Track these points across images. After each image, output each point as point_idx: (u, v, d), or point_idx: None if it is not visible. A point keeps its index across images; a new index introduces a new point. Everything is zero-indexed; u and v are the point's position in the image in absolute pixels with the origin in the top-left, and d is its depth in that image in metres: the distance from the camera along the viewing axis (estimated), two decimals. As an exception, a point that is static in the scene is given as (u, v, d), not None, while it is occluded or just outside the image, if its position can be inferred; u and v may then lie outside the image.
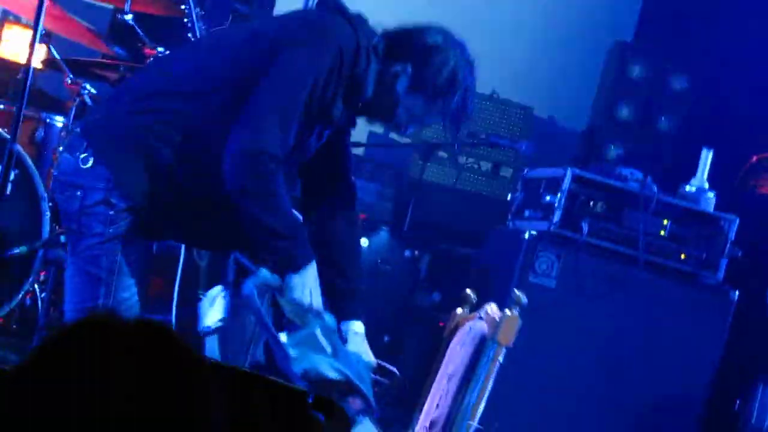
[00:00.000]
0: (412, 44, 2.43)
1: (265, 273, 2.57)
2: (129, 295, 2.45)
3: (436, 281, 3.87)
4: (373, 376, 2.79)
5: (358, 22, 2.45)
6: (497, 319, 3.19)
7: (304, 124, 2.43)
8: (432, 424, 3.02)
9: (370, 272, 3.49)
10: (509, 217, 3.45)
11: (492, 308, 3.33)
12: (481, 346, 3.24)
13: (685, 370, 3.27)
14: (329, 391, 2.60)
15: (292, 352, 2.57)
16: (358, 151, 4.18)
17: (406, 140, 4.14)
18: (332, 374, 2.61)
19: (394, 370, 3.40)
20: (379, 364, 2.95)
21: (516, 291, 3.06)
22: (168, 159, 2.38)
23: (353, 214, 2.81)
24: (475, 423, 3.09)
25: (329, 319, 2.66)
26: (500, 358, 3.14)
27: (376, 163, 4.28)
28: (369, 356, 2.76)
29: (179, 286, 3.24)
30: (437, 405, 3.26)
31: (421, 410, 3.32)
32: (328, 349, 2.63)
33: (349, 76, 2.40)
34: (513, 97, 4.50)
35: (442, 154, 4.29)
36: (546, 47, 4.71)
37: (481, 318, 3.34)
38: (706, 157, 3.25)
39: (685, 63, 4.28)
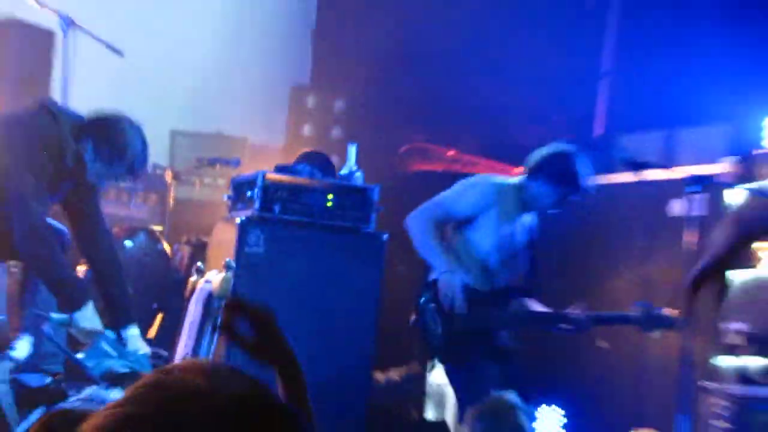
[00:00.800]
0: (96, 126, 3.48)
1: (55, 317, 3.54)
2: None
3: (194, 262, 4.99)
4: (151, 361, 3.71)
5: (61, 116, 3.46)
6: (217, 280, 4.32)
7: (51, 186, 3.46)
8: (183, 359, 4.04)
9: (137, 263, 4.63)
10: (228, 210, 4.69)
11: (213, 273, 4.47)
12: (208, 301, 4.34)
13: (358, 297, 4.25)
14: (125, 382, 3.40)
15: (90, 363, 3.45)
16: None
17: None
18: (123, 369, 3.50)
19: (163, 352, 4.34)
20: (153, 351, 3.94)
21: (228, 260, 4.19)
22: None
23: (107, 237, 3.83)
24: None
25: (109, 333, 3.58)
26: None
27: (146, 191, 5.61)
28: (145, 349, 3.69)
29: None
30: (185, 345, 4.33)
31: (175, 351, 4.38)
32: (114, 354, 3.53)
33: (56, 155, 3.37)
34: (235, 132, 6.03)
35: (192, 178, 5.69)
36: (253, 90, 6.29)
37: (208, 281, 4.46)
38: (352, 150, 4.63)
39: (344, 91, 5.95)
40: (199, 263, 4.13)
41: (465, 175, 4.34)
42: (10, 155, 3.34)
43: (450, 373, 3.99)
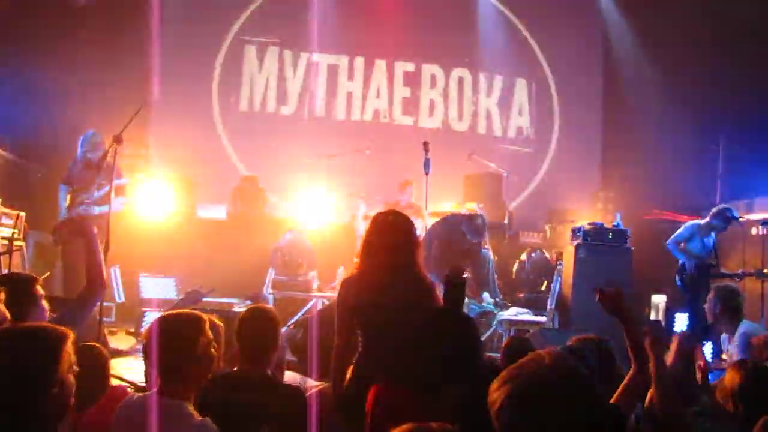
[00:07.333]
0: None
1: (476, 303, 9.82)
2: None
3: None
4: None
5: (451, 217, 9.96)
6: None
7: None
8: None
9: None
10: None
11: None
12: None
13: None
14: (487, 315, 9.51)
15: (478, 309, 9.60)
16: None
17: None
18: (487, 309, 9.67)
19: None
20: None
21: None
22: None
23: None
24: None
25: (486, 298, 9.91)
26: None
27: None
28: (490, 302, 9.77)
29: None
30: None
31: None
32: (482, 304, 9.72)
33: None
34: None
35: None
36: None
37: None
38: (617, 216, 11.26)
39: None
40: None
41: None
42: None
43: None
